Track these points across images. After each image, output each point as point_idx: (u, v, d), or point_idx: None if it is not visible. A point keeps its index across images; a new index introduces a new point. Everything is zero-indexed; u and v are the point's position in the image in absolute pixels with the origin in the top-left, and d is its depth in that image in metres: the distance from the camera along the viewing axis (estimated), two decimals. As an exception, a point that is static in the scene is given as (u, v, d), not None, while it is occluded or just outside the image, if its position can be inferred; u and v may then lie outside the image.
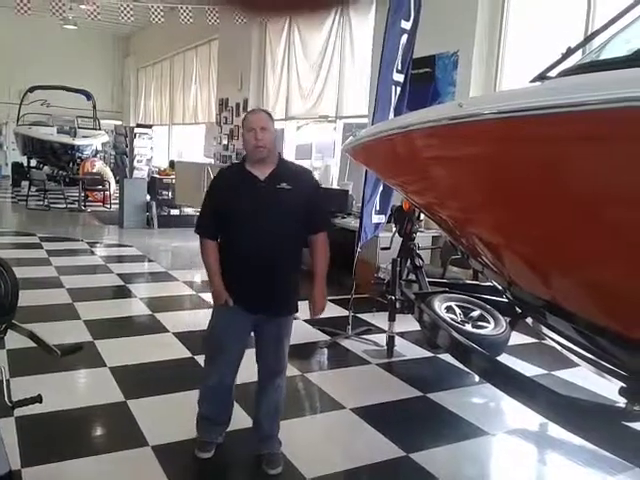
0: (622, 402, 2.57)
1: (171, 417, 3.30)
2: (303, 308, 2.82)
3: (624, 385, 2.43)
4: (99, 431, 3.23)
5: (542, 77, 2.37)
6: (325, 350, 4.60)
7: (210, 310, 5.41)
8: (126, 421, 3.21)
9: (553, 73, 2.29)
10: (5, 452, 1.88)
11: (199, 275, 7.12)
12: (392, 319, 4.44)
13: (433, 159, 2.38)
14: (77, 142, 15.35)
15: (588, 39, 2.31)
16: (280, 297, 2.72)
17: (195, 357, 4.19)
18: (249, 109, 11.85)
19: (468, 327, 3.88)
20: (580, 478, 3.00)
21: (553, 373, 4.18)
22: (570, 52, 2.34)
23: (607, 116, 1.53)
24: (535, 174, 1.88)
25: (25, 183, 14.26)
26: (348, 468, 2.89)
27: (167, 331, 4.80)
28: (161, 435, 3.05)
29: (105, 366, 3.95)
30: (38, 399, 1.90)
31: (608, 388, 2.79)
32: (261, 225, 2.60)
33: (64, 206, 12.34)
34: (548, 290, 2.26)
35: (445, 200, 2.61)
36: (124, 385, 3.65)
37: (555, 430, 3.47)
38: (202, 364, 3.96)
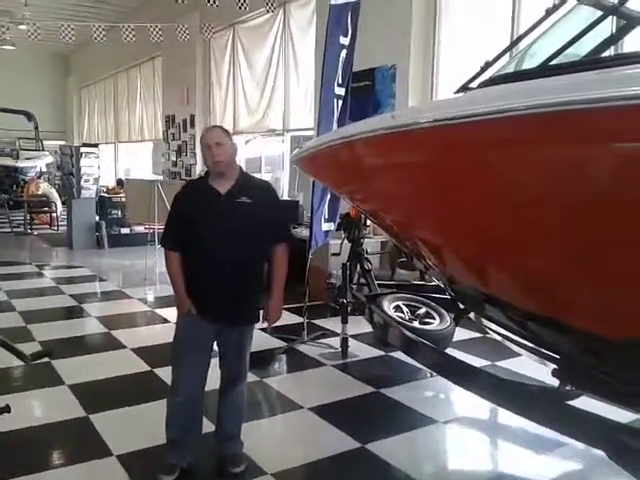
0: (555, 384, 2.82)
1: (133, 427, 3.38)
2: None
3: (556, 367, 2.67)
4: (64, 444, 3.26)
5: (465, 88, 2.61)
6: (282, 356, 4.74)
7: (166, 325, 5.52)
8: (89, 434, 3.27)
9: (474, 84, 2.53)
10: None
11: (152, 291, 7.15)
12: (345, 321, 4.62)
13: (372, 167, 2.58)
14: (20, 164, 15.06)
15: (502, 53, 2.56)
16: (241, 308, 2.81)
17: (154, 370, 4.27)
18: (196, 125, 11.93)
19: (415, 324, 4.11)
20: (521, 457, 3.23)
21: (496, 363, 4.44)
22: (488, 65, 2.59)
23: (520, 122, 1.76)
24: (462, 176, 2.10)
25: (-34, 208, 13.89)
26: (308, 462, 3.04)
27: (124, 347, 4.84)
28: (125, 444, 3.13)
29: (64, 384, 3.98)
30: (7, 409, 1.99)
31: (546, 375, 3.03)
32: (221, 238, 2.70)
33: (9, 230, 12.05)
34: (484, 283, 2.48)
35: (387, 205, 2.82)
36: (84, 401, 3.70)
37: (498, 416, 3.73)
38: (161, 376, 4.09)
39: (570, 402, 2.67)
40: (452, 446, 3.48)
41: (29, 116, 16.13)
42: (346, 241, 5.27)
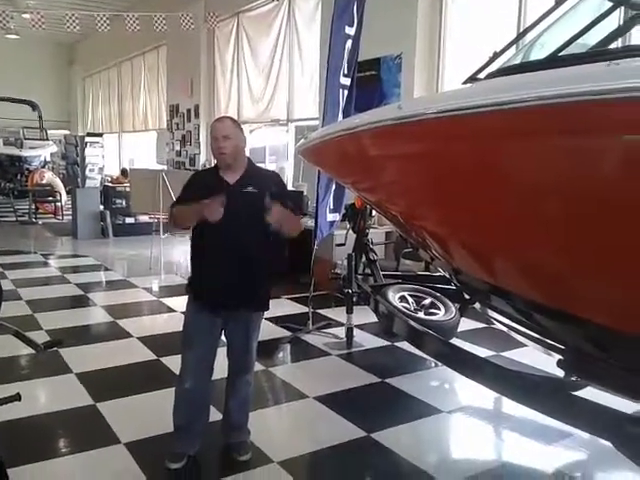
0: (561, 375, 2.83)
1: (141, 415, 3.42)
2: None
3: (561, 358, 2.68)
4: (72, 432, 3.29)
5: (473, 79, 2.61)
6: (287, 345, 4.77)
7: (172, 314, 5.55)
8: (97, 422, 3.31)
9: (482, 75, 2.53)
10: None
11: (158, 281, 7.18)
12: (350, 312, 4.64)
13: (379, 158, 2.58)
14: (24, 153, 15.04)
15: (511, 44, 2.56)
16: (248, 293, 2.84)
17: (160, 358, 4.30)
18: (201, 114, 11.92)
19: (421, 314, 4.13)
20: (525, 447, 3.25)
21: (501, 354, 4.47)
22: (496, 56, 2.58)
23: (529, 113, 1.76)
24: (470, 168, 2.10)
25: (-29, 197, 13.97)
26: (313, 450, 3.08)
27: (130, 336, 4.88)
28: (132, 432, 3.17)
29: (71, 372, 4.02)
30: (17, 397, 2.02)
31: (552, 365, 3.04)
32: (230, 226, 2.73)
33: (14, 219, 12.10)
34: (490, 274, 2.48)
35: (392, 196, 2.82)
36: (92, 389, 3.74)
37: (503, 406, 3.75)
38: (168, 365, 4.12)
39: (575, 393, 2.68)
40: (456, 435, 3.51)
41: (33, 105, 16.10)
42: (351, 231, 5.28)
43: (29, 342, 2.02)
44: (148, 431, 3.18)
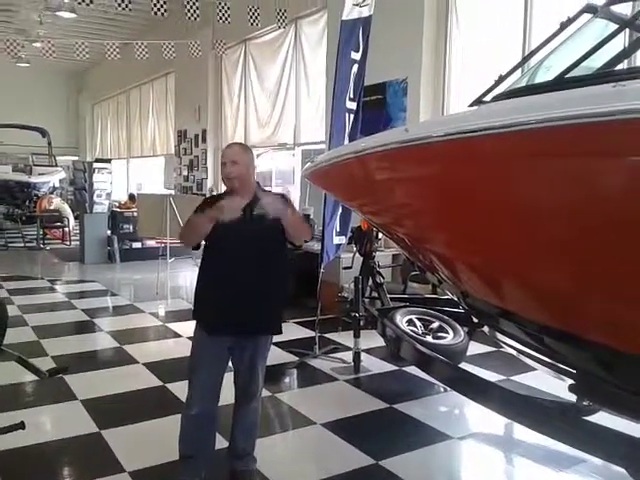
0: (573, 399, 2.77)
1: (146, 443, 3.36)
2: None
3: (573, 382, 2.63)
4: (77, 461, 3.25)
5: (479, 101, 2.61)
6: (294, 370, 4.72)
7: (178, 339, 5.52)
8: (101, 450, 3.26)
9: (488, 98, 2.53)
10: None
11: (164, 306, 7.16)
12: (357, 336, 4.59)
13: (385, 181, 2.58)
14: (33, 179, 15.20)
15: (516, 66, 2.56)
16: (256, 314, 2.81)
17: (166, 385, 4.25)
18: (208, 140, 12.03)
19: (429, 338, 4.08)
20: (537, 473, 3.18)
21: (511, 378, 4.39)
22: (502, 78, 2.59)
23: (536, 135, 1.75)
24: (477, 190, 2.08)
25: (-20, 223, 14.05)
26: (321, 478, 3.00)
27: (136, 362, 4.84)
28: (137, 460, 3.11)
29: (76, 399, 3.98)
30: (21, 426, 1.99)
31: (563, 390, 2.99)
32: (240, 250, 2.75)
33: (22, 245, 12.16)
34: (499, 297, 2.45)
35: (399, 218, 2.81)
36: (97, 416, 3.69)
37: (514, 432, 3.68)
38: (173, 392, 4.08)
39: (588, 417, 2.63)
40: (467, 462, 3.43)
41: (43, 132, 16.32)
42: (358, 254, 5.26)
43: (33, 369, 1.99)
44: (153, 459, 3.13)
